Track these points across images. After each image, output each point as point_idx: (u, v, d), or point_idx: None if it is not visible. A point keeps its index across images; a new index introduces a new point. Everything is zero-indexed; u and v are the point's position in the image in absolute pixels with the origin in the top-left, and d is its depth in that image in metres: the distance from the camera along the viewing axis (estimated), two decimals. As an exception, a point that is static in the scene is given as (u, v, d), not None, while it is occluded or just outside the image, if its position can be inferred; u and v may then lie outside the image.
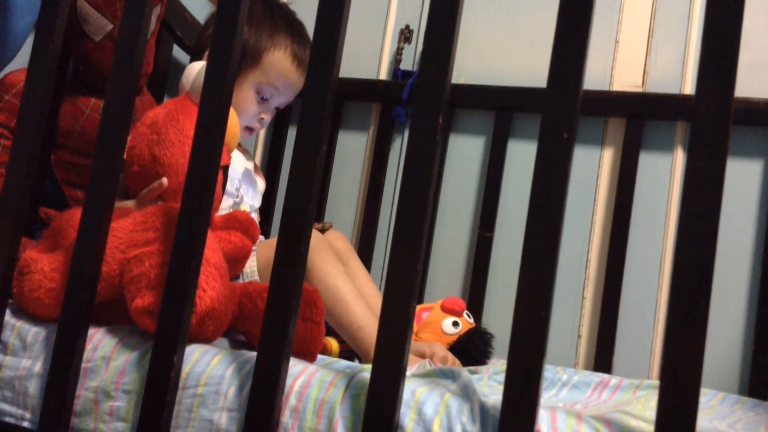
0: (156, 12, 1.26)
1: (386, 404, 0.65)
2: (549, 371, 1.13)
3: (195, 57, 1.43)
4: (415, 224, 0.66)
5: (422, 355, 1.14)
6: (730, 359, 1.33)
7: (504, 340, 0.89)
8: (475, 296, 1.46)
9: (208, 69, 0.77)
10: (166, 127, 1.00)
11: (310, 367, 0.77)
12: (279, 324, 0.70)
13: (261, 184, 1.45)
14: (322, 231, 1.32)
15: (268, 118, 1.38)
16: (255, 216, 1.37)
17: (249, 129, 1.37)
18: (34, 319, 0.89)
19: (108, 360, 0.82)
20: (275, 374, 0.70)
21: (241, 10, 0.77)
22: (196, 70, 1.07)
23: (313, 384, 0.74)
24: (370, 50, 1.67)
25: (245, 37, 1.30)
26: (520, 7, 1.59)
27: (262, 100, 1.34)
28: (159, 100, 1.41)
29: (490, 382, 1.05)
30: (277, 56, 1.32)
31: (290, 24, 1.36)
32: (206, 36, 1.36)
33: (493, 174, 1.50)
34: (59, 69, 1.02)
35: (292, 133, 1.65)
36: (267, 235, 1.56)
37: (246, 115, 1.33)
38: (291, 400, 0.73)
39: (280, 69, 1.33)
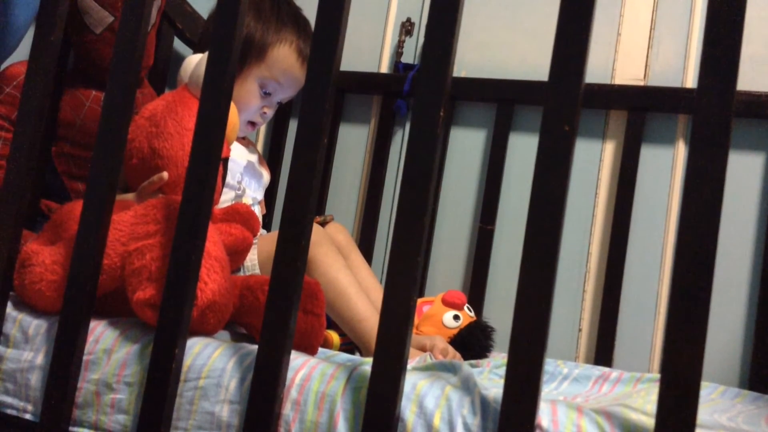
0: (156, 4, 1.26)
1: (387, 397, 0.65)
2: (550, 364, 1.13)
3: (198, 50, 1.43)
4: (416, 217, 0.66)
5: (423, 349, 1.14)
6: (731, 352, 1.33)
7: (505, 333, 0.89)
8: (476, 289, 1.46)
9: (209, 62, 0.77)
10: (165, 120, 1.00)
11: (312, 360, 0.77)
12: (280, 317, 0.70)
13: (266, 176, 1.45)
14: (324, 224, 1.32)
15: (270, 112, 1.37)
16: (258, 208, 1.37)
17: (251, 123, 1.37)
18: (35, 311, 0.89)
19: (109, 352, 0.82)
20: (276, 367, 0.70)
21: (241, 3, 0.77)
22: (194, 62, 1.06)
23: (315, 377, 0.74)
24: (372, 43, 1.66)
25: (251, 32, 1.30)
26: (522, -1, 1.58)
27: (266, 94, 1.34)
28: (160, 93, 1.41)
29: (490, 376, 1.05)
30: (282, 52, 1.32)
31: (297, 20, 1.36)
32: (210, 29, 1.36)
33: (495, 167, 1.49)
34: (60, 61, 1.01)
35: (293, 126, 1.65)
36: (268, 228, 1.56)
37: (249, 110, 1.33)
38: (292, 393, 0.73)
39: (284, 64, 1.33)
